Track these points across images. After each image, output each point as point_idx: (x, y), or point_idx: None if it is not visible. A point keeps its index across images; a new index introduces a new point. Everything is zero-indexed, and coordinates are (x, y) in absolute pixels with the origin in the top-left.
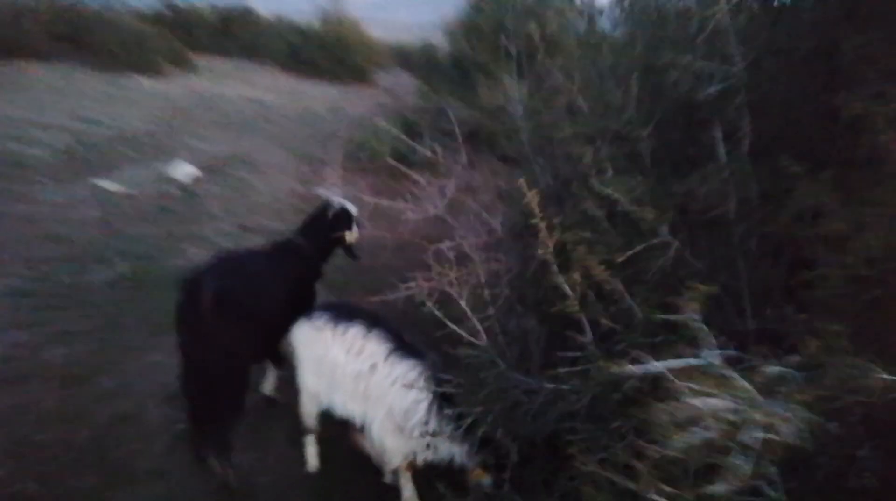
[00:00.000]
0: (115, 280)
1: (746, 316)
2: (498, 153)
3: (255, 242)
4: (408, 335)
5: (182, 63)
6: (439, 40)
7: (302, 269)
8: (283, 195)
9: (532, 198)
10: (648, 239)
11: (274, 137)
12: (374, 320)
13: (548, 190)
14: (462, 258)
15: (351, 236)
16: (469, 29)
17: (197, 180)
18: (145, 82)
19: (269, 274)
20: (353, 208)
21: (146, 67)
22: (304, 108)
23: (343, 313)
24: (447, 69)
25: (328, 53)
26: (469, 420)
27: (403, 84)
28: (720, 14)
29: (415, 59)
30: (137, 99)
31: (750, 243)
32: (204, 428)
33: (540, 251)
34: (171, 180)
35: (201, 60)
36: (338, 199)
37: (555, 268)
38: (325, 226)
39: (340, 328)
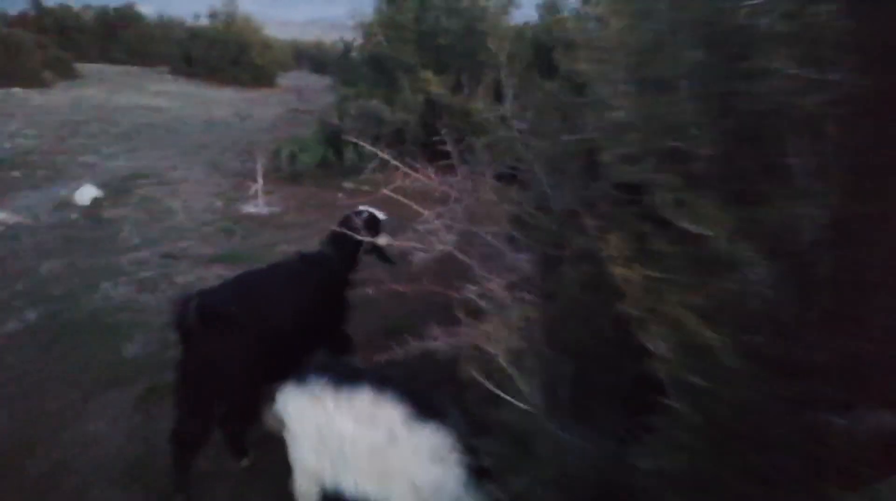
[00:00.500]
0: (25, 332)
1: None
2: (427, 156)
3: (182, 271)
4: (426, 395)
5: (65, 71)
6: (349, 38)
7: (326, 279)
8: (205, 215)
9: (615, 243)
10: (731, 277)
11: (181, 149)
12: (382, 379)
13: (566, 215)
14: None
15: (382, 240)
16: (392, 26)
17: (101, 203)
18: (27, 95)
19: (283, 286)
20: (380, 215)
21: (26, 77)
22: (208, 115)
23: (344, 373)
24: (368, 68)
25: (225, 55)
26: (513, 496)
27: (313, 86)
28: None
29: (327, 60)
30: (20, 114)
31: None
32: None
33: (626, 306)
34: (72, 205)
35: (85, 67)
36: (363, 206)
37: (645, 324)
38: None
39: (344, 392)
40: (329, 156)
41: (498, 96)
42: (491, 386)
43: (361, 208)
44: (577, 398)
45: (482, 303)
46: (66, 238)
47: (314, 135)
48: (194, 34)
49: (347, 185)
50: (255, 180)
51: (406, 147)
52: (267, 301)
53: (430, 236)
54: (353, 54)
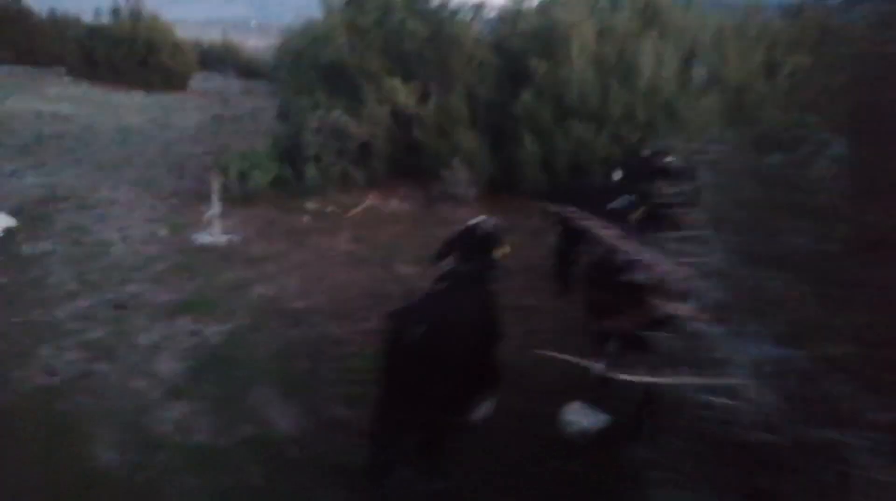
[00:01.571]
0: None
1: None
2: (398, 172)
3: (141, 327)
4: None
5: None
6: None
7: (487, 296)
8: (150, 248)
9: None
10: None
11: (97, 164)
12: None
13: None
14: None
15: (503, 250)
16: (353, 30)
17: (15, 235)
18: None
19: (465, 308)
20: (496, 222)
21: None
22: (120, 122)
23: None
24: (326, 76)
25: (131, 55)
26: None
27: (229, 91)
28: None
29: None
30: None
31: None
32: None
33: None
34: None
35: None
36: (481, 216)
37: None
38: (482, 246)
39: None
40: (285, 174)
41: (472, 107)
42: None
43: (481, 217)
44: None
45: None
46: None
47: (267, 150)
48: (95, 32)
49: (310, 206)
50: (200, 202)
51: (374, 163)
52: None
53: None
54: (301, 61)
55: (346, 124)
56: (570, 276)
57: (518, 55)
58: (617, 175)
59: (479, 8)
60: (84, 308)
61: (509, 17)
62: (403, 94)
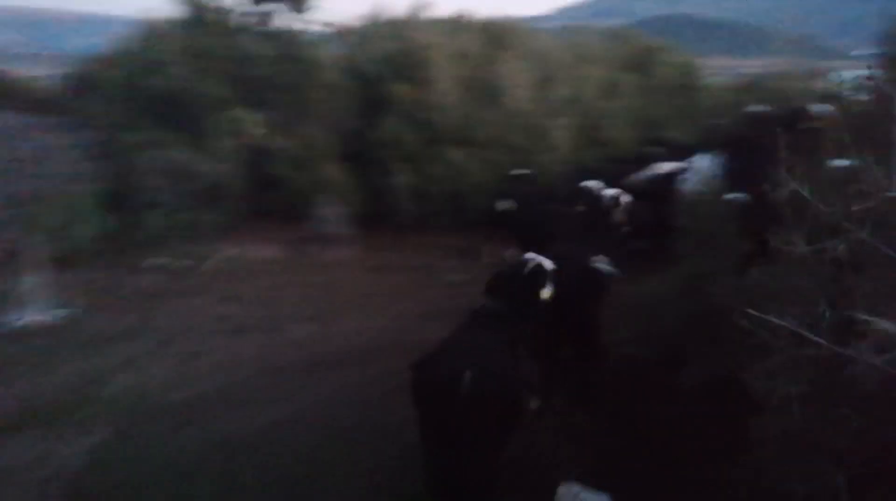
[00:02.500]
0: None
1: None
2: (259, 212)
3: None
4: None
5: None
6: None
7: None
8: None
9: None
10: None
11: None
12: None
13: None
14: None
15: (545, 293)
16: (191, 53)
17: None
18: None
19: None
20: (548, 264)
21: None
22: None
23: None
24: (158, 107)
25: None
26: None
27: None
28: None
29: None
30: None
31: None
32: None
33: None
34: None
35: None
36: (530, 254)
37: None
38: (523, 285)
39: None
40: (115, 225)
41: (332, 137)
42: None
43: (528, 255)
44: None
45: None
46: None
47: (88, 197)
48: None
49: (155, 262)
50: (7, 273)
51: (227, 205)
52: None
53: None
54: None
55: (189, 163)
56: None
57: (376, 79)
58: (503, 205)
59: (331, 29)
60: None
61: (363, 40)
62: (254, 124)
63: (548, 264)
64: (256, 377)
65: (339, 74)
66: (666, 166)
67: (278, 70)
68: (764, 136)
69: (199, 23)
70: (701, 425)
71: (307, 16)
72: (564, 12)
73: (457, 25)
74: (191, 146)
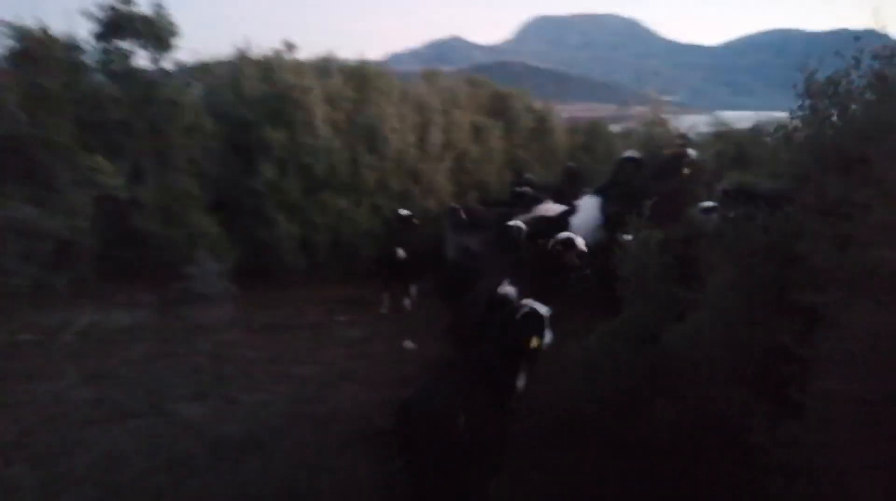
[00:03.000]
0: None
1: None
2: (119, 272)
3: None
4: None
5: None
6: None
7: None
8: None
9: None
10: None
11: None
12: None
13: None
14: None
15: (536, 341)
16: (33, 96)
17: None
18: None
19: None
20: (544, 310)
21: None
22: None
23: None
24: None
25: None
26: None
27: None
28: None
29: None
30: None
31: None
32: None
33: None
34: None
35: None
36: (527, 300)
37: None
38: (514, 331)
39: None
40: None
41: (203, 186)
42: None
43: (526, 302)
44: None
45: None
46: None
47: None
48: None
49: None
50: None
51: (81, 266)
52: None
53: None
54: None
55: (34, 218)
56: None
57: (247, 123)
58: (402, 253)
59: (196, 70)
60: None
61: (230, 81)
62: (111, 174)
63: (543, 309)
64: (148, 475)
65: (205, 118)
66: (551, 208)
67: (136, 113)
68: (646, 179)
69: (37, 59)
70: (659, 479)
71: (168, 54)
72: (398, 58)
73: (325, 67)
74: (33, 200)
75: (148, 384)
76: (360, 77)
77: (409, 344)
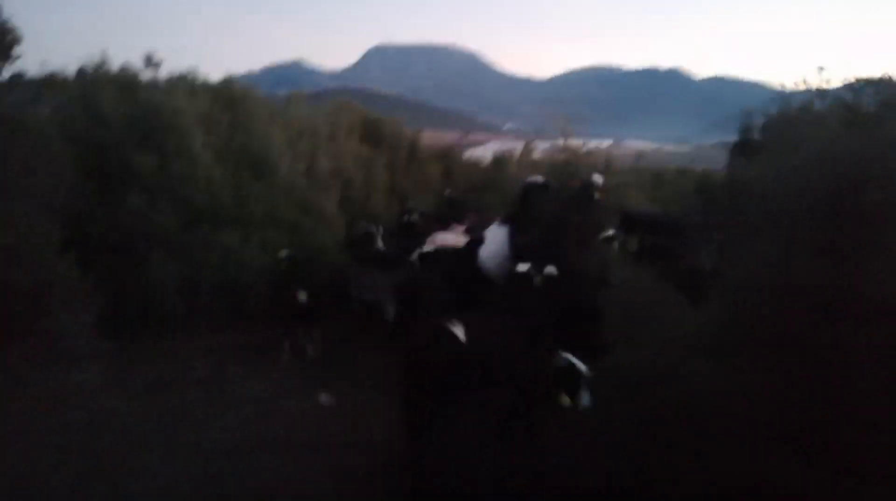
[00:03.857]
0: None
1: None
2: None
3: None
4: None
5: None
6: None
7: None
8: None
9: None
10: None
11: None
12: None
13: None
14: None
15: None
16: None
17: None
18: None
19: None
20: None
21: None
22: None
23: None
24: None
25: None
26: None
27: None
28: None
29: None
30: None
31: None
32: None
33: None
34: None
35: None
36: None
37: None
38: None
39: None
40: None
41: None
42: None
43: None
44: None
45: None
46: None
47: None
48: None
49: None
50: None
51: None
52: None
53: None
54: None
55: None
56: None
57: (108, 146)
58: (304, 295)
59: (43, 83)
60: None
61: (85, 99)
62: None
63: (581, 366)
64: None
65: (56, 140)
66: (448, 238)
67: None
68: (558, 208)
69: None
70: None
71: (8, 64)
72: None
73: (190, 86)
74: None
75: (6, 470)
76: (228, 98)
77: (325, 399)
